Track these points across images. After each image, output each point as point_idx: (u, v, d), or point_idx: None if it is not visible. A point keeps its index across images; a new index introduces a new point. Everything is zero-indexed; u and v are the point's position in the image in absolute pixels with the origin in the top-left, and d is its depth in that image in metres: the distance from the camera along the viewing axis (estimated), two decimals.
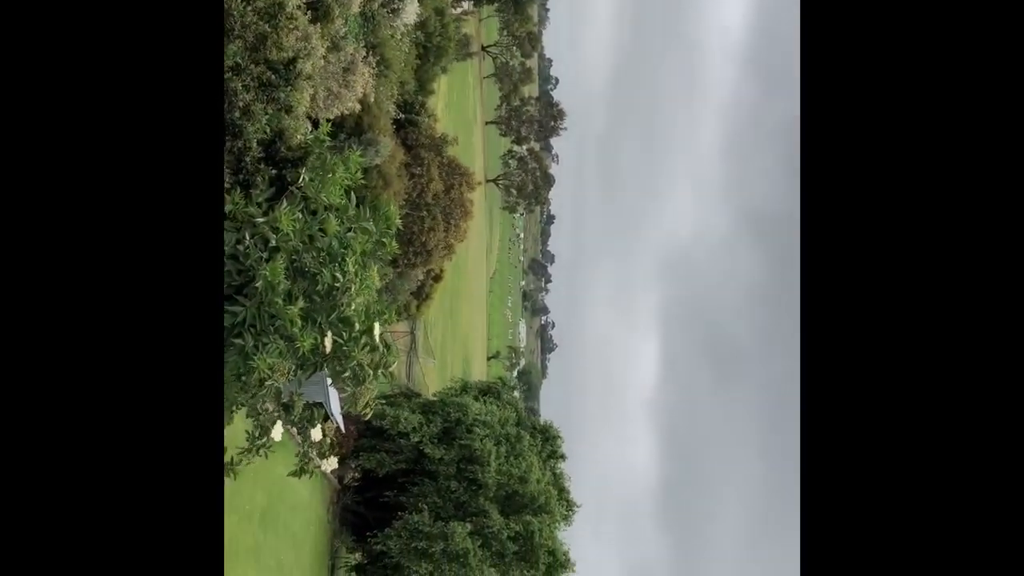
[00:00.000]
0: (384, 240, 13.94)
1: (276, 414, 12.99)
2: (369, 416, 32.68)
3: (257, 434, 12.63)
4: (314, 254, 12.43)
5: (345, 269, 12.37)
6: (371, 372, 13.60)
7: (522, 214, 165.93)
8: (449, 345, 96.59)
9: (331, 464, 17.40)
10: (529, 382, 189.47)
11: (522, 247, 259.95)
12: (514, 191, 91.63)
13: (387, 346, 13.93)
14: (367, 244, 13.44)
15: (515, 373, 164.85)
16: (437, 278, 44.84)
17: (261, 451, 12.61)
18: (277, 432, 12.68)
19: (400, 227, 15.23)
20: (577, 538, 39.25)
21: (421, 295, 43.38)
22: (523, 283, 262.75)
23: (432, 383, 67.93)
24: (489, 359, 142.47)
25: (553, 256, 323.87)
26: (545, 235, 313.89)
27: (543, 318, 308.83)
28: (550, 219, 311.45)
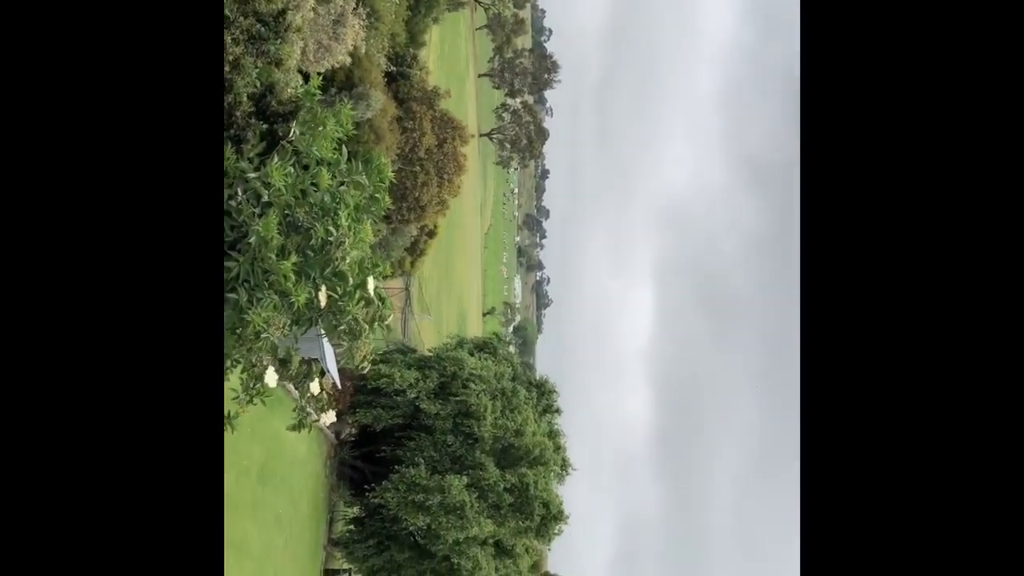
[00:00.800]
0: (377, 195, 13.93)
1: (270, 365, 13.13)
2: (366, 370, 32.82)
3: (252, 384, 12.79)
4: (307, 209, 12.44)
5: (338, 223, 12.41)
6: (366, 326, 13.74)
7: (516, 169, 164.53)
8: (444, 301, 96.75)
9: (329, 418, 17.64)
10: (525, 337, 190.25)
11: (516, 202, 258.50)
12: (508, 145, 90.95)
13: (381, 299, 14.04)
14: (360, 198, 13.44)
15: (510, 329, 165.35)
16: (431, 234, 44.70)
17: (256, 399, 12.78)
18: (271, 378, 12.84)
19: (393, 181, 15.20)
20: (572, 491, 39.92)
21: (415, 251, 43.31)
22: (518, 239, 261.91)
23: (427, 339, 68.22)
24: (484, 315, 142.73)
25: (548, 211, 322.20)
26: (540, 190, 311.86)
27: (538, 274, 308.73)
28: (544, 174, 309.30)
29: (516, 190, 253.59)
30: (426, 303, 75.05)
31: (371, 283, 13.36)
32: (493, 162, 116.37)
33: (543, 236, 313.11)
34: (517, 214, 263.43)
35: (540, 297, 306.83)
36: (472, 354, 37.01)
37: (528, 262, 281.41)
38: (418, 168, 33.94)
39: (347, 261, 12.71)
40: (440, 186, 35.64)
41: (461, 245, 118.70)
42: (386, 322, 13.88)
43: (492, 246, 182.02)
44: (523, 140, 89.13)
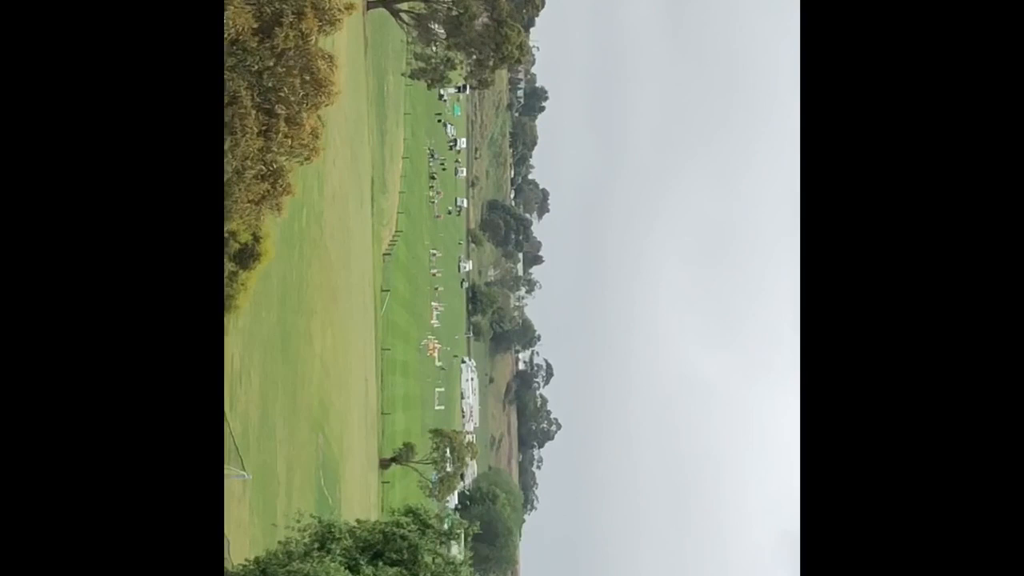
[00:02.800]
0: None
1: None
2: None
3: None
4: None
5: None
6: None
7: (461, 90, 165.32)
8: (282, 431, 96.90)
9: None
10: (490, 520, 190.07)
11: (462, 174, 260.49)
12: (439, 30, 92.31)
13: None
14: None
15: (454, 500, 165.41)
16: (245, 258, 44.87)
17: None
18: None
19: None
20: None
21: None
22: (467, 266, 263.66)
23: (239, 529, 68.14)
24: (387, 464, 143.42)
25: (545, 193, 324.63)
26: (521, 139, 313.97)
27: (520, 352, 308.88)
28: (534, 98, 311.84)
29: (463, 144, 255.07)
30: (233, 440, 75.09)
31: None
32: (402, 75, 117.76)
33: (530, 258, 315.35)
34: (466, 203, 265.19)
35: (527, 415, 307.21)
36: (356, 568, 37.00)
37: (496, 321, 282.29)
38: None
39: None
40: (266, 134, 35.83)
41: (324, 283, 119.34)
42: None
43: (402, 284, 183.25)
44: (480, 15, 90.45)
